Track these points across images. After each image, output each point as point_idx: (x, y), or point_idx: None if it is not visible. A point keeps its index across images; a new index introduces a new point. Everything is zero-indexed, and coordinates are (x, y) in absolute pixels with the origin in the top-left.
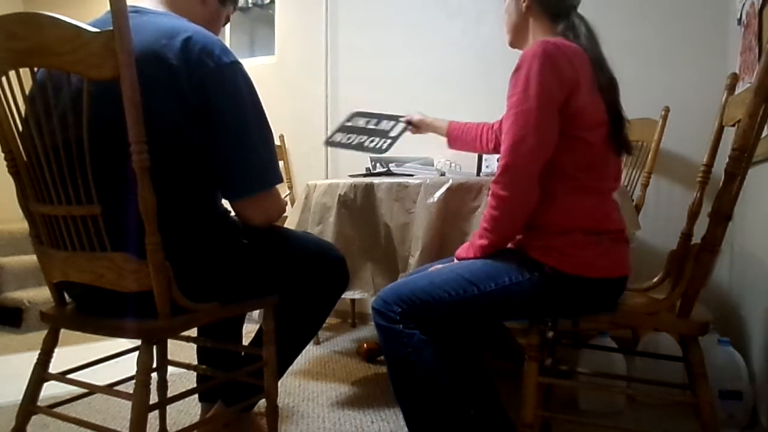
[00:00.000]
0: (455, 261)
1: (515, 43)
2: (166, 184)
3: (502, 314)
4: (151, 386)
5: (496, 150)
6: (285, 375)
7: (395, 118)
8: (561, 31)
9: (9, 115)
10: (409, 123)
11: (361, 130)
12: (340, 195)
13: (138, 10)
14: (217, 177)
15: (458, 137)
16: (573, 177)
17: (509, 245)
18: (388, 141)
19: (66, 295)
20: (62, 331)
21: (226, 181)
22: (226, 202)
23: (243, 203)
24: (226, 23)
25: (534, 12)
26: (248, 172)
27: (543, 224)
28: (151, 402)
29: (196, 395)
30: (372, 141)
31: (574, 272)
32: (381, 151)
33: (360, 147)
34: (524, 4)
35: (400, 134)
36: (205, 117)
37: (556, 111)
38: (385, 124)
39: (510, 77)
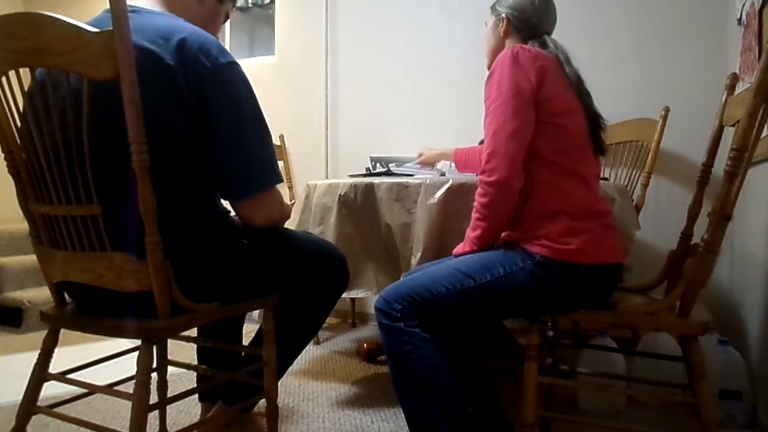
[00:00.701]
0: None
1: (489, 62)
2: (165, 184)
3: (499, 305)
4: (151, 386)
5: None
6: (285, 375)
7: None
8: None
9: (9, 116)
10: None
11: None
12: (340, 195)
13: (135, 10)
14: (216, 178)
15: (467, 163)
16: (552, 162)
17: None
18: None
19: (66, 295)
20: (62, 331)
21: (226, 182)
22: (227, 202)
23: (244, 205)
24: (225, 21)
25: (511, 36)
26: (247, 173)
27: (529, 212)
28: (151, 402)
29: (196, 395)
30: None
31: (566, 259)
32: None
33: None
34: (502, 30)
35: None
36: (203, 117)
37: (530, 100)
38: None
39: (484, 85)
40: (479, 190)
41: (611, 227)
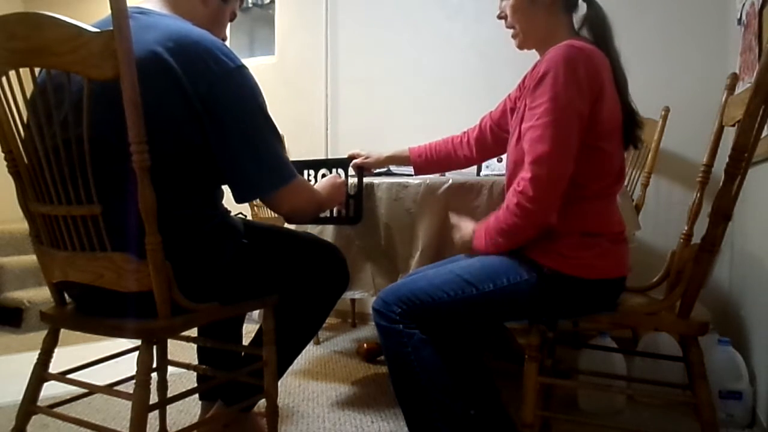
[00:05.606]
0: (466, 254)
1: (528, 42)
2: (166, 184)
3: (500, 314)
4: (151, 386)
5: (480, 159)
6: (285, 375)
7: (339, 164)
8: (579, 28)
9: (9, 116)
10: (358, 168)
11: None
12: None
13: (143, 12)
14: (227, 180)
15: (427, 160)
16: (582, 186)
17: None
18: (352, 204)
19: (66, 295)
20: (62, 331)
21: (238, 183)
22: (225, 202)
23: (272, 197)
24: (232, 19)
25: (557, 7)
26: (257, 173)
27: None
28: (151, 402)
29: (196, 395)
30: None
31: (573, 273)
32: (355, 220)
33: (330, 220)
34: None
35: (358, 187)
36: (210, 120)
37: (582, 124)
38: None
39: (531, 82)
40: (515, 210)
41: (622, 241)
